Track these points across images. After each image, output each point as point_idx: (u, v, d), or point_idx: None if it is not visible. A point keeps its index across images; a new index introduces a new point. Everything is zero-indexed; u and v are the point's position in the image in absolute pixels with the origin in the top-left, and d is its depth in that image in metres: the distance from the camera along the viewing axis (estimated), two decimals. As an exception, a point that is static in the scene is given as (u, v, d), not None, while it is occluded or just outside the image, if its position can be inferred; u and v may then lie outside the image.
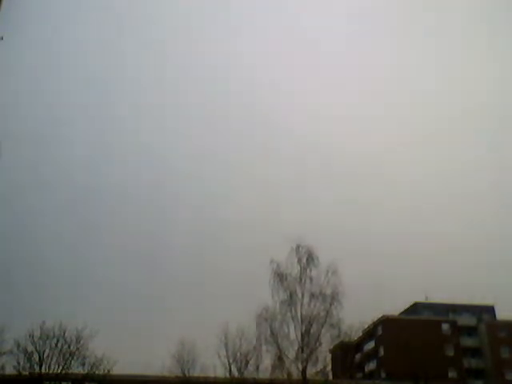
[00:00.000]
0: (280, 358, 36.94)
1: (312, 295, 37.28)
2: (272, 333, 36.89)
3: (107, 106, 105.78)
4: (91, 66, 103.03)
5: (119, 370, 46.45)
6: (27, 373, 42.69)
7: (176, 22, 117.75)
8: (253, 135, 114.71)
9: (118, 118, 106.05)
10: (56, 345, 43.53)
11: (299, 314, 36.92)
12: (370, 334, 70.40)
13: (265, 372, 40.94)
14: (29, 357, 42.79)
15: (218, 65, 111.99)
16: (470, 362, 68.27)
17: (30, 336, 42.76)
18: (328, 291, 37.32)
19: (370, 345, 70.68)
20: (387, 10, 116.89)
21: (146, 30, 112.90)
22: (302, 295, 37.25)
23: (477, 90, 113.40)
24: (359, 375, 68.95)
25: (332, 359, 48.03)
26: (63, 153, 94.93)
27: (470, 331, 70.70)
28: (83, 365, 44.43)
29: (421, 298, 72.10)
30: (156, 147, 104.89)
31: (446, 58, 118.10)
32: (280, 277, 37.78)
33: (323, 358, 38.42)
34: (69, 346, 43.93)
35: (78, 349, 44.12)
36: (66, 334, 43.78)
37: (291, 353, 37.00)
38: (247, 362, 47.60)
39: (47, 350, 43.33)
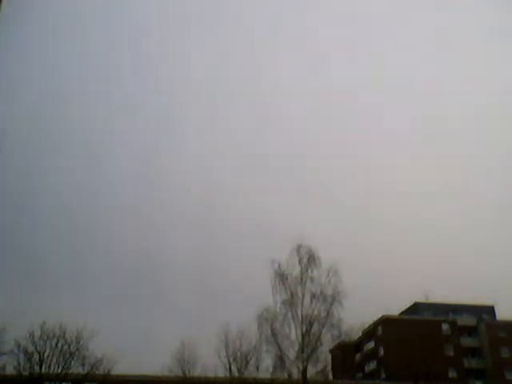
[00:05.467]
0: (280, 358, 36.84)
1: (313, 295, 37.16)
2: (273, 333, 36.78)
3: (106, 104, 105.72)
4: (92, 66, 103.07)
5: (119, 369, 46.46)
6: (27, 373, 42.61)
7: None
8: (254, 136, 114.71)
9: (119, 117, 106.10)
10: (56, 345, 43.43)
11: (300, 314, 36.82)
12: (370, 334, 70.39)
13: (265, 372, 40.92)
14: (29, 357, 42.70)
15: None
16: (470, 362, 68.27)
17: (30, 336, 42.71)
18: (329, 291, 37.25)
19: (370, 345, 70.66)
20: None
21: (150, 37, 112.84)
22: (303, 295, 37.13)
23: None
24: (359, 375, 68.93)
25: (332, 359, 47.94)
26: (63, 151, 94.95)
27: (470, 331, 70.71)
28: (83, 365, 44.34)
29: (421, 298, 72.20)
30: (156, 147, 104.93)
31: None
32: (281, 277, 37.66)
33: (323, 358, 38.30)
34: (69, 346, 43.82)
35: (77, 349, 44.01)
36: (66, 334, 43.71)
37: (291, 353, 36.94)
38: (247, 362, 47.62)
39: (47, 350, 43.22)
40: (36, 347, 42.88)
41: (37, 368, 42.73)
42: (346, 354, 55.40)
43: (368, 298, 64.08)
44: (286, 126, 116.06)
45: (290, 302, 36.94)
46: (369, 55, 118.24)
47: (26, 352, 42.59)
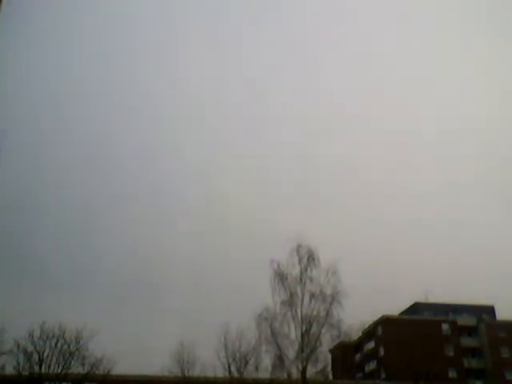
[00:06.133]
0: (280, 358, 36.80)
1: (312, 295, 37.12)
2: (272, 333, 36.73)
3: (106, 104, 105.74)
4: (92, 65, 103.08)
5: (119, 370, 46.47)
6: (27, 373, 42.59)
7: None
8: (253, 135, 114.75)
9: (119, 118, 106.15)
10: (56, 345, 43.42)
11: (299, 314, 36.76)
12: (369, 334, 70.36)
13: (264, 372, 40.88)
14: (29, 357, 42.70)
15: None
16: (470, 362, 68.21)
17: (29, 336, 42.71)
18: (328, 291, 37.20)
19: (370, 345, 70.62)
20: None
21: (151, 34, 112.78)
22: (303, 295, 37.10)
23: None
24: (359, 375, 68.93)
25: (332, 359, 47.91)
26: (63, 153, 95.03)
27: (470, 331, 70.67)
28: (83, 365, 44.33)
29: (421, 298, 72.16)
30: (155, 149, 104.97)
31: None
32: (280, 277, 37.60)
33: (323, 358, 38.26)
34: (69, 346, 43.81)
35: (77, 349, 44.01)
36: (65, 334, 43.72)
37: (291, 353, 36.89)
38: (247, 362, 47.60)
39: (47, 350, 43.24)
40: (36, 347, 42.90)
41: (36, 368, 42.73)
42: (346, 354, 55.42)
43: (368, 298, 64.16)
44: (286, 126, 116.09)
45: (290, 302, 36.88)
46: (369, 56, 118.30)
47: (25, 352, 42.62)
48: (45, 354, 43.05)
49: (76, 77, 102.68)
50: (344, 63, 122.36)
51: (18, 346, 42.20)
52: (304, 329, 36.45)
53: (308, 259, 37.64)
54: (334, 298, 36.87)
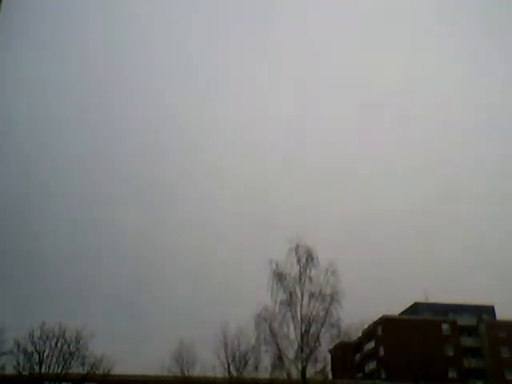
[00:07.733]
0: (279, 358, 36.79)
1: (311, 295, 37.07)
2: (271, 333, 36.72)
3: (105, 103, 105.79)
4: (92, 65, 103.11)
5: (119, 370, 46.51)
6: (27, 373, 42.62)
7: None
8: (253, 133, 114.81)
9: (119, 119, 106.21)
10: (56, 345, 43.45)
11: (299, 314, 36.72)
12: (369, 334, 70.36)
13: (264, 372, 40.87)
14: (29, 357, 42.71)
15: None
16: (470, 362, 68.26)
17: (29, 336, 42.74)
18: (327, 291, 37.16)
19: (370, 345, 70.65)
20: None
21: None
22: (302, 295, 37.03)
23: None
24: (359, 375, 68.91)
25: (332, 359, 47.89)
26: (61, 154, 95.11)
27: (470, 331, 70.70)
28: (83, 365, 44.35)
29: (421, 298, 72.19)
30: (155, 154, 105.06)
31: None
32: (279, 276, 37.55)
33: (323, 358, 38.24)
34: (69, 346, 43.84)
35: (77, 349, 44.03)
36: (65, 334, 43.75)
37: (291, 353, 36.84)
38: (246, 362, 47.57)
39: (47, 350, 43.23)
40: (36, 347, 42.88)
41: (36, 368, 42.72)
42: (346, 354, 55.35)
43: (368, 298, 64.24)
44: (286, 126, 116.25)
45: (289, 302, 36.87)
46: (367, 54, 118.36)
47: (25, 352, 42.62)
48: (45, 354, 43.05)
49: (76, 77, 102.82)
50: (345, 60, 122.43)
51: (18, 346, 42.22)
52: (303, 329, 36.42)
53: (307, 259, 37.63)
54: (333, 298, 36.85)
